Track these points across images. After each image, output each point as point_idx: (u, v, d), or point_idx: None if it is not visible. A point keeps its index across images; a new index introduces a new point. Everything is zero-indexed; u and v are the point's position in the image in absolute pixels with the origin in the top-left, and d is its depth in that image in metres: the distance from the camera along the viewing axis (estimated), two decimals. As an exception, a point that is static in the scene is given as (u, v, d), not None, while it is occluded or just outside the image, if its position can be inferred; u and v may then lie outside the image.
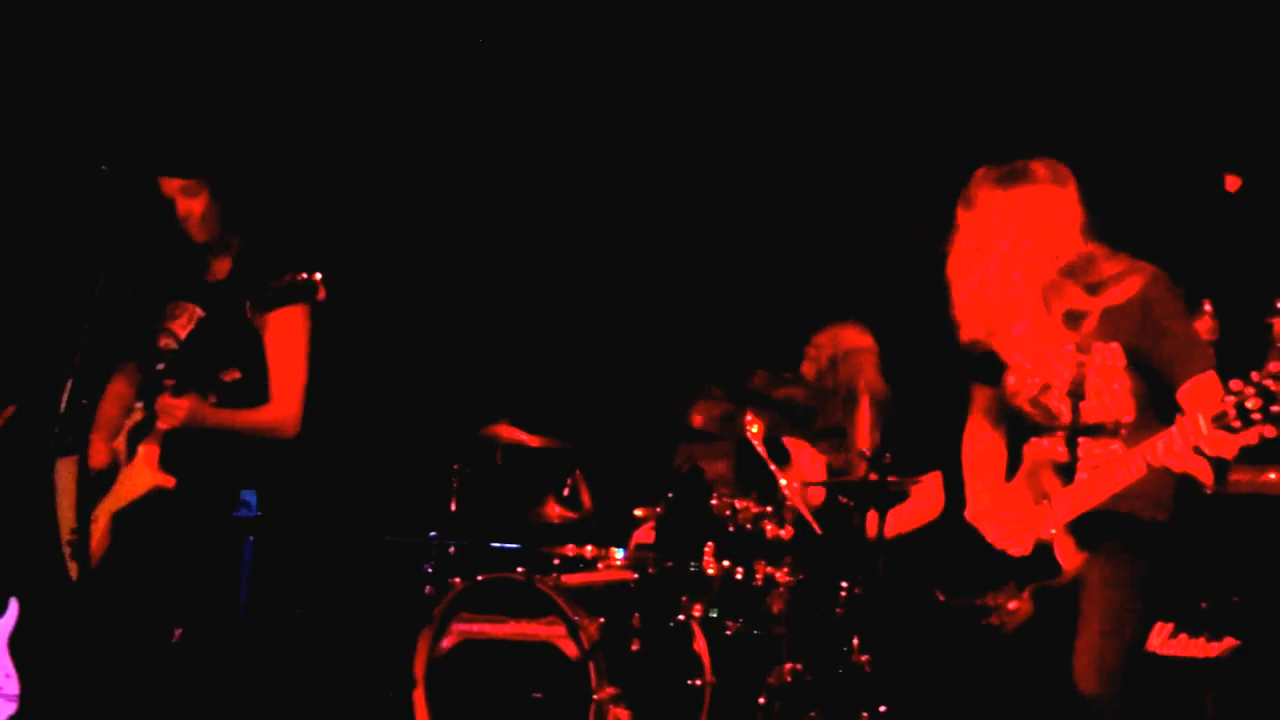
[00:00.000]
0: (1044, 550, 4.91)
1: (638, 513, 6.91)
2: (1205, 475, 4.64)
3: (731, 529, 6.57)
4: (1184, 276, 4.93)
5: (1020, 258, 4.90)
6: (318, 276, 5.42)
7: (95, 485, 5.83)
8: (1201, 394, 4.62)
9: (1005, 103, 7.27)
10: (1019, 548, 4.99)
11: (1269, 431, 4.36)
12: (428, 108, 8.35)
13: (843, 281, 7.75)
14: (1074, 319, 4.91)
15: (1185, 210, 6.63)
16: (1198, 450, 4.51)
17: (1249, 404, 4.35)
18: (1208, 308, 6.18)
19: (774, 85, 8.01)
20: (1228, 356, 4.86)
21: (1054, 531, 4.88)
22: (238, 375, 5.77)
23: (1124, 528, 4.86)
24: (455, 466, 7.20)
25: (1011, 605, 4.99)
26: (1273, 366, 4.34)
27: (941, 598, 5.27)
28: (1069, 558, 4.88)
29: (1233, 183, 6.58)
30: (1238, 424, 4.37)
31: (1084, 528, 4.87)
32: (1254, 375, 4.36)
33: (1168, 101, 6.96)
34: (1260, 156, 6.61)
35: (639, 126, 8.28)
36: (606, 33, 8.14)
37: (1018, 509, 5.02)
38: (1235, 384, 4.38)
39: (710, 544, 6.53)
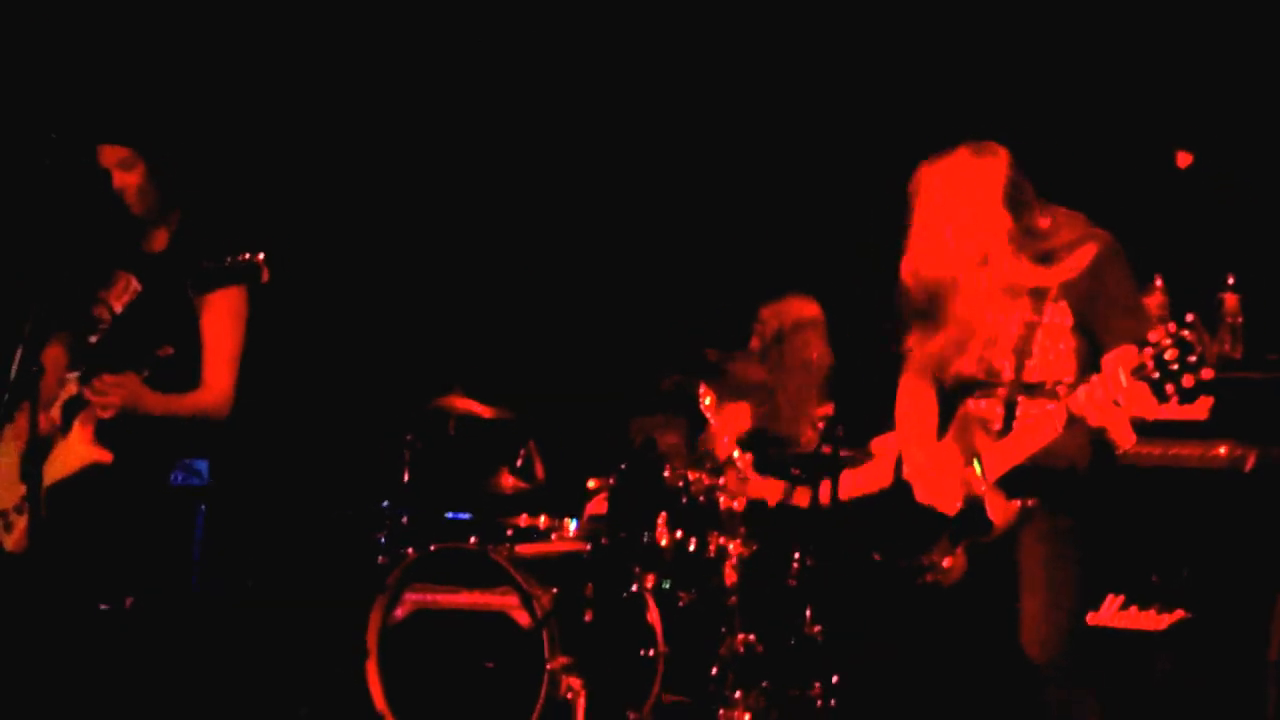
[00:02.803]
0: (976, 507, 4.98)
1: (591, 484, 6.93)
2: (1122, 434, 4.75)
3: (684, 500, 6.60)
4: (1136, 252, 4.98)
5: (960, 231, 4.98)
6: (260, 257, 5.39)
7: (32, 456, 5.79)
8: (1122, 361, 4.64)
9: (954, 78, 7.29)
10: (950, 505, 5.06)
11: (1187, 381, 4.41)
12: (371, 78, 8.32)
13: (790, 254, 7.76)
14: (1023, 290, 4.98)
15: (1137, 186, 6.67)
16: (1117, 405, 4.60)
17: (1167, 355, 4.41)
18: (1159, 283, 6.23)
19: (721, 64, 8.02)
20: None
21: (984, 489, 4.94)
22: (170, 351, 5.74)
23: (1049, 481, 4.94)
24: (407, 436, 7.18)
25: (946, 562, 5.06)
26: (1189, 317, 4.42)
27: (877, 557, 5.33)
28: (999, 513, 4.95)
29: (1184, 159, 6.62)
30: (1156, 375, 4.43)
31: (1012, 484, 4.94)
32: (1171, 327, 4.42)
33: (1120, 78, 6.99)
34: (1212, 132, 6.66)
35: (586, 101, 8.28)
36: (556, 16, 8.14)
37: (948, 467, 5.08)
38: (1153, 335, 4.44)
39: (663, 515, 6.57)
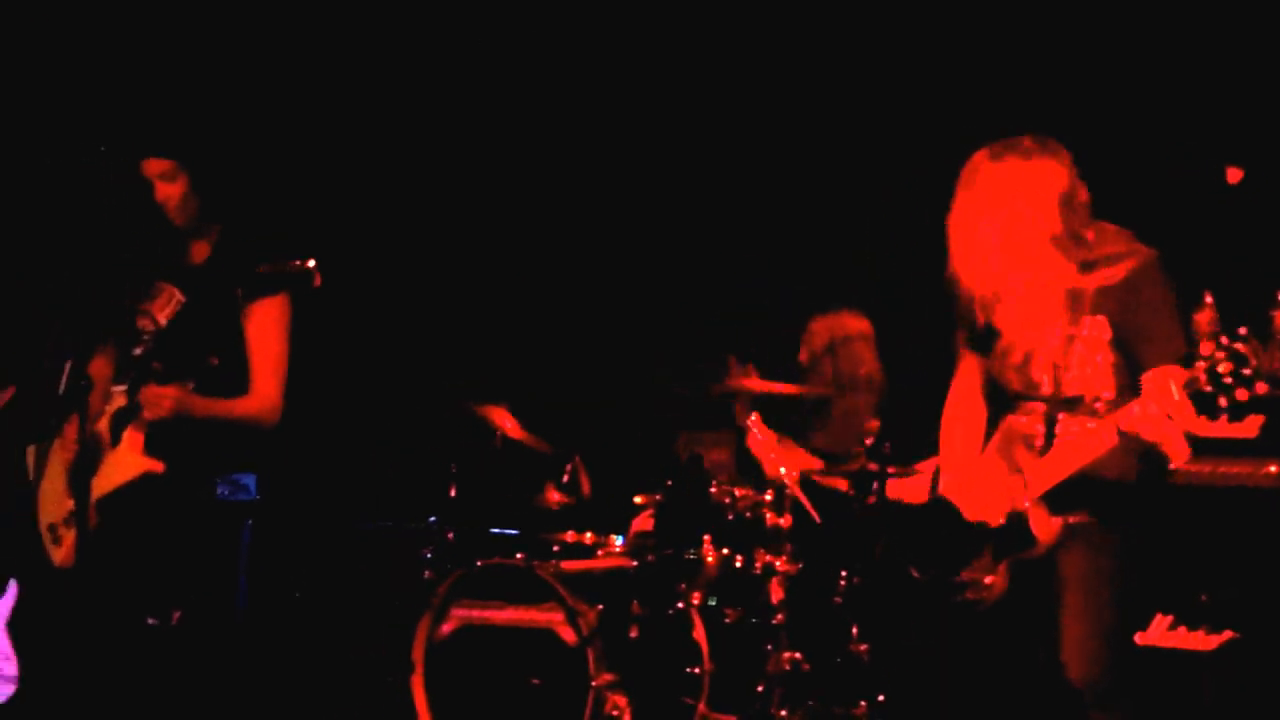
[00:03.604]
0: (1019, 523, 4.94)
1: (637, 500, 6.92)
2: (1176, 449, 4.69)
3: (730, 517, 6.59)
4: (1185, 268, 4.94)
5: (1009, 226, 4.96)
6: (311, 264, 5.41)
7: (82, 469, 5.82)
8: (1174, 376, 4.59)
9: (1004, 89, 7.25)
10: (992, 520, 5.02)
11: (1241, 395, 4.36)
12: (419, 94, 8.34)
13: (838, 268, 7.74)
14: (1067, 294, 4.94)
15: (1187, 202, 6.63)
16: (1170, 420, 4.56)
17: (1220, 368, 4.36)
18: (1209, 299, 6.17)
19: (763, 76, 8.00)
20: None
21: (1027, 504, 4.90)
22: (217, 361, 5.78)
23: (1094, 496, 4.90)
24: (455, 452, 7.19)
25: (987, 580, 5.02)
26: (1242, 330, 4.37)
27: (916, 575, 5.30)
28: (1043, 529, 4.91)
29: (1234, 174, 6.58)
30: (1209, 389, 4.38)
31: (1056, 499, 4.91)
32: (1224, 340, 4.37)
33: (1171, 93, 6.94)
34: (1262, 149, 6.61)
35: (633, 115, 8.27)
36: (597, 26, 8.14)
37: (991, 481, 5.04)
38: (1206, 348, 4.39)
39: (709, 532, 6.55)
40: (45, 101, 7.70)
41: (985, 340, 5.17)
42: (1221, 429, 5.84)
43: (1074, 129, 5.19)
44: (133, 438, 5.77)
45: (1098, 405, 4.85)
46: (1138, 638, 5.44)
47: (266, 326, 5.94)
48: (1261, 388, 4.36)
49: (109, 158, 5.82)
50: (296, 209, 7.49)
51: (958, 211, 5.09)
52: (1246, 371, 4.34)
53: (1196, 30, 6.88)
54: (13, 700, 6.17)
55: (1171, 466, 4.82)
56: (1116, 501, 4.93)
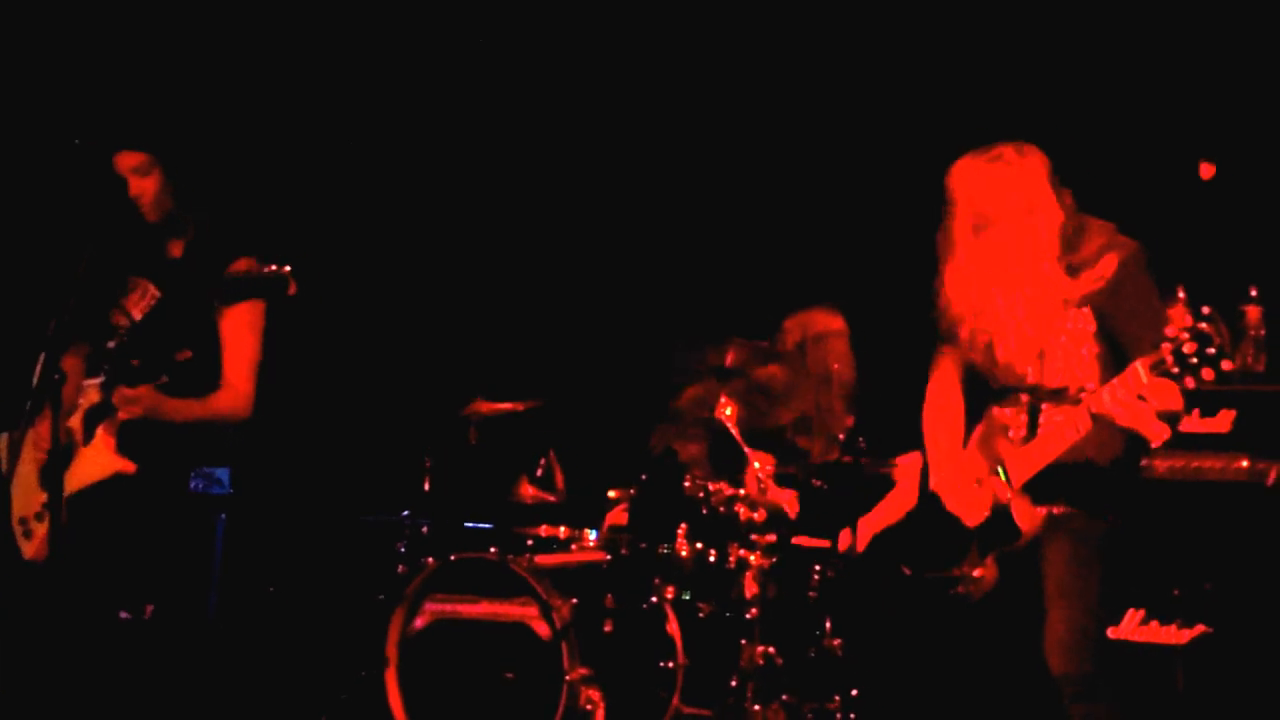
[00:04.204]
0: (1003, 515, 4.97)
1: (611, 494, 6.92)
2: (1152, 430, 4.71)
3: (705, 511, 6.59)
4: (1159, 263, 4.97)
5: (1001, 232, 5.00)
6: (287, 269, 5.40)
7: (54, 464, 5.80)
8: (1130, 366, 4.65)
9: (982, 87, 7.27)
10: (977, 514, 5.05)
11: (1207, 374, 4.40)
12: (391, 85, 8.33)
13: (817, 259, 7.75)
14: (1053, 288, 4.98)
15: (1160, 197, 6.65)
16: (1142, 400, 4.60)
17: (1185, 349, 4.40)
18: (1181, 294, 6.19)
19: (752, 65, 8.00)
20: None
21: (1009, 495, 4.92)
22: (189, 355, 5.77)
23: (1077, 486, 4.93)
24: (428, 446, 7.19)
25: (976, 573, 5.04)
26: (1205, 310, 4.41)
27: (907, 571, 5.31)
28: (1026, 520, 4.95)
29: (1207, 170, 6.60)
30: (1176, 369, 4.43)
31: (1038, 488, 4.94)
32: (1188, 321, 4.41)
33: (1144, 89, 6.97)
34: (1233, 144, 6.64)
35: (614, 100, 8.27)
36: (585, 22, 8.14)
37: (974, 474, 5.08)
38: (1170, 330, 4.44)
39: (684, 525, 6.55)
40: (19, 95, 7.68)
41: (969, 334, 5.18)
42: (1194, 424, 5.92)
43: (1049, 124, 5.22)
44: (105, 436, 5.76)
45: (1081, 396, 4.87)
46: (1110, 632, 5.44)
47: (240, 324, 5.92)
48: (1227, 365, 4.40)
49: (83, 151, 5.81)
50: (272, 203, 7.48)
51: (949, 221, 5.13)
52: (1211, 351, 4.39)
53: (1171, 24, 6.90)
54: (-15, 695, 6.16)
55: (1152, 447, 4.83)
56: (1099, 491, 4.96)
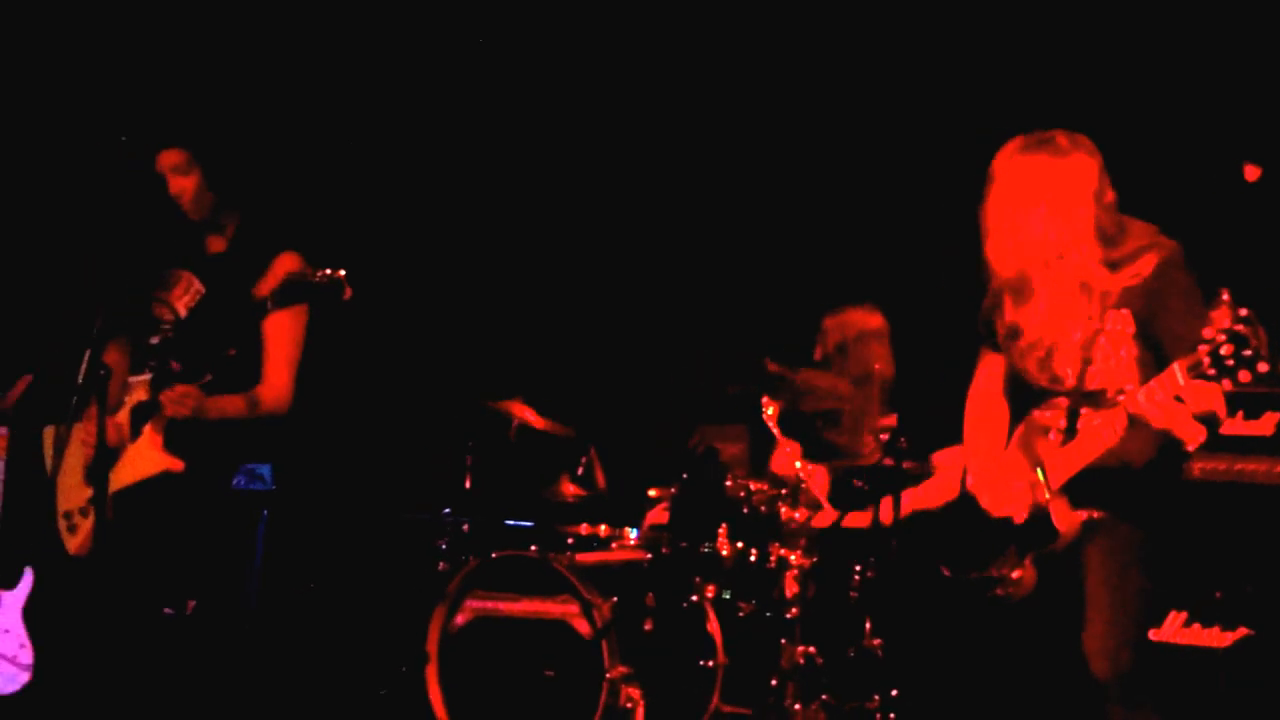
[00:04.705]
0: (1041, 517, 4.95)
1: (651, 493, 6.93)
2: (1188, 431, 4.68)
3: (746, 510, 6.59)
4: (1203, 265, 4.94)
5: (1043, 221, 4.96)
6: (342, 273, 5.42)
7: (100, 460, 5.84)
8: (1167, 368, 4.62)
9: (1023, 87, 7.25)
10: (1016, 515, 5.03)
11: (1244, 377, 4.37)
12: (439, 87, 8.35)
13: (854, 263, 7.74)
14: (1094, 289, 4.94)
15: (1205, 199, 6.62)
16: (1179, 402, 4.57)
17: (1223, 350, 4.37)
18: (1225, 296, 6.16)
19: (788, 69, 7.99)
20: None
21: (1048, 497, 4.92)
22: (234, 353, 5.81)
23: (1116, 489, 4.91)
24: (469, 444, 7.20)
25: (1015, 574, 5.03)
26: (1243, 312, 4.38)
27: (946, 572, 5.30)
28: (1064, 522, 4.92)
29: (1253, 172, 6.57)
30: (1213, 371, 4.40)
31: (1076, 490, 4.92)
32: (1227, 323, 4.38)
33: (1190, 90, 6.94)
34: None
35: (656, 107, 8.27)
36: (619, 16, 8.14)
37: (1014, 476, 5.05)
38: (1208, 332, 4.40)
39: (724, 525, 6.55)
40: (61, 94, 7.72)
41: (1009, 335, 5.17)
42: (1239, 427, 5.89)
43: (1092, 123, 5.20)
44: (153, 434, 5.79)
45: (1119, 399, 4.85)
46: (1151, 634, 5.43)
47: (285, 325, 5.97)
48: (1263, 367, 4.36)
49: (125, 148, 5.84)
50: (314, 200, 7.51)
51: (992, 203, 5.09)
52: (1248, 353, 4.35)
53: (1219, 27, 6.87)
54: (28, 688, 6.20)
55: (1188, 449, 4.81)
56: (1137, 494, 4.94)
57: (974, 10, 7.45)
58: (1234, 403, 4.86)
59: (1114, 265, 4.94)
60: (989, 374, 5.37)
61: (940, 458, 6.46)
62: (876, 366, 6.86)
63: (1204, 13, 6.90)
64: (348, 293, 5.41)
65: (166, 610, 5.85)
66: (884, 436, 6.58)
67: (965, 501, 5.23)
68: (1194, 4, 6.94)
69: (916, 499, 6.32)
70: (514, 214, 8.45)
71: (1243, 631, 5.86)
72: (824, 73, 7.91)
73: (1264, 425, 5.92)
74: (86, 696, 5.94)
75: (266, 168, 6.44)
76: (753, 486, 6.60)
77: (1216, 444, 5.81)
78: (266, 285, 5.79)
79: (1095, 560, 4.96)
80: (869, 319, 7.14)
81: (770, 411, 6.51)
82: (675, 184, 8.29)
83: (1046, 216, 4.95)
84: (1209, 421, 4.73)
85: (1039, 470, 4.96)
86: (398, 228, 8.24)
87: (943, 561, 5.34)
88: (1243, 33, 6.82)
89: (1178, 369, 4.52)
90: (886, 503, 6.11)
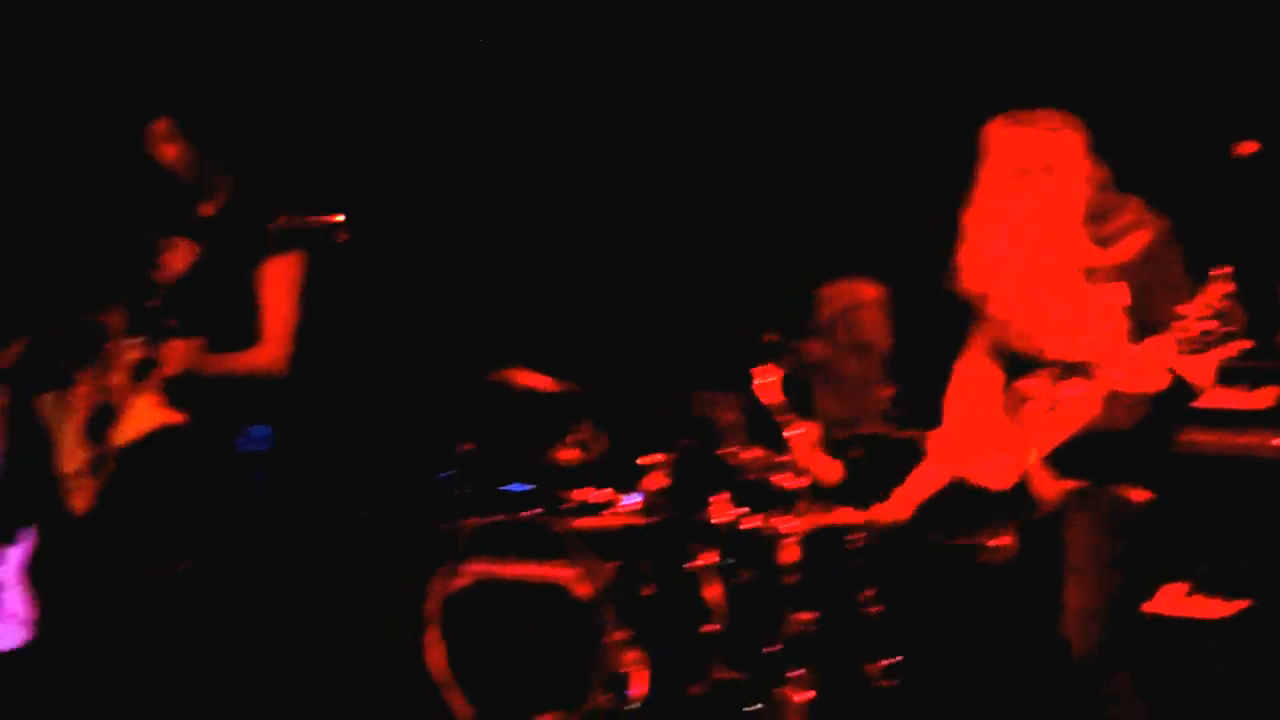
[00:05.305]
0: (1025, 486, 5.04)
1: (648, 460, 6.94)
2: (1197, 376, 4.72)
3: (744, 478, 6.62)
4: (1198, 240, 4.99)
5: (1036, 197, 5.02)
6: (338, 218, 5.44)
7: (100, 420, 5.88)
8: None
9: (1014, 62, 7.27)
10: (1000, 484, 5.09)
11: (1226, 352, 4.47)
12: (433, 47, 8.34)
13: (854, 234, 7.75)
14: (1083, 263, 5.01)
15: (1198, 175, 6.64)
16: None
17: (1204, 326, 4.45)
18: (1219, 271, 6.19)
19: (779, 42, 8.00)
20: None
21: (1031, 466, 4.97)
22: (231, 312, 5.83)
23: (1098, 459, 4.97)
24: (470, 408, 7.22)
25: (996, 541, 5.08)
26: (1217, 292, 4.45)
27: (932, 537, 5.36)
28: (1047, 490, 4.99)
29: (1247, 147, 6.59)
30: (1194, 346, 4.48)
31: (1060, 460, 4.98)
32: (1207, 299, 4.46)
33: (1182, 68, 6.96)
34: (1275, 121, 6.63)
35: (650, 80, 8.28)
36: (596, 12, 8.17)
37: (999, 445, 5.11)
38: (1188, 307, 4.47)
39: (723, 492, 6.59)
40: (51, 64, 7.71)
41: (998, 307, 5.21)
42: (1237, 400, 5.94)
43: (1084, 100, 5.23)
44: (150, 391, 5.82)
45: (1102, 371, 4.89)
46: (1144, 606, 5.49)
47: (279, 280, 6.00)
48: (1244, 344, 4.45)
49: (115, 116, 5.88)
50: (309, 164, 7.50)
51: (982, 179, 5.14)
52: (1230, 329, 4.43)
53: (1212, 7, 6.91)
54: (30, 645, 6.23)
55: (1198, 390, 4.83)
56: (1121, 464, 5.00)
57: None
58: (1232, 377, 4.91)
59: (1103, 241, 5.00)
60: (979, 343, 5.42)
61: (934, 439, 6.49)
62: (874, 336, 6.89)
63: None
64: (342, 236, 5.44)
65: (163, 569, 5.88)
66: (883, 407, 6.62)
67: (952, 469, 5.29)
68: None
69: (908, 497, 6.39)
70: (514, 176, 8.43)
71: (1240, 604, 5.91)
72: (820, 47, 7.93)
73: (1262, 398, 5.96)
74: (86, 653, 5.98)
75: (260, 132, 6.44)
76: (751, 454, 6.62)
77: (1213, 418, 5.89)
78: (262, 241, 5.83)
79: (1076, 530, 5.03)
80: (866, 289, 7.15)
81: (771, 379, 6.53)
82: (679, 155, 8.28)
83: (1032, 191, 5.01)
84: (1195, 394, 4.80)
85: (1023, 439, 5.01)
86: (398, 191, 8.23)
87: (928, 527, 5.40)
88: (1234, 13, 6.85)
89: (1160, 342, 4.58)
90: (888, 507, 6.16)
